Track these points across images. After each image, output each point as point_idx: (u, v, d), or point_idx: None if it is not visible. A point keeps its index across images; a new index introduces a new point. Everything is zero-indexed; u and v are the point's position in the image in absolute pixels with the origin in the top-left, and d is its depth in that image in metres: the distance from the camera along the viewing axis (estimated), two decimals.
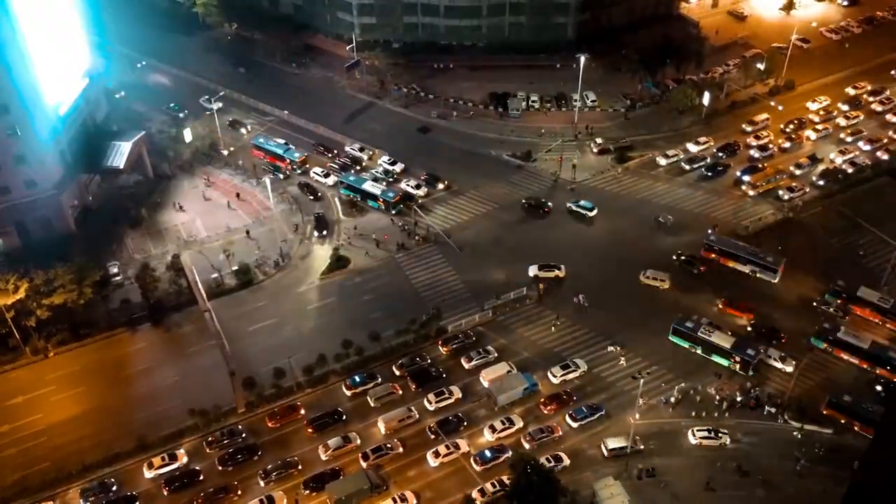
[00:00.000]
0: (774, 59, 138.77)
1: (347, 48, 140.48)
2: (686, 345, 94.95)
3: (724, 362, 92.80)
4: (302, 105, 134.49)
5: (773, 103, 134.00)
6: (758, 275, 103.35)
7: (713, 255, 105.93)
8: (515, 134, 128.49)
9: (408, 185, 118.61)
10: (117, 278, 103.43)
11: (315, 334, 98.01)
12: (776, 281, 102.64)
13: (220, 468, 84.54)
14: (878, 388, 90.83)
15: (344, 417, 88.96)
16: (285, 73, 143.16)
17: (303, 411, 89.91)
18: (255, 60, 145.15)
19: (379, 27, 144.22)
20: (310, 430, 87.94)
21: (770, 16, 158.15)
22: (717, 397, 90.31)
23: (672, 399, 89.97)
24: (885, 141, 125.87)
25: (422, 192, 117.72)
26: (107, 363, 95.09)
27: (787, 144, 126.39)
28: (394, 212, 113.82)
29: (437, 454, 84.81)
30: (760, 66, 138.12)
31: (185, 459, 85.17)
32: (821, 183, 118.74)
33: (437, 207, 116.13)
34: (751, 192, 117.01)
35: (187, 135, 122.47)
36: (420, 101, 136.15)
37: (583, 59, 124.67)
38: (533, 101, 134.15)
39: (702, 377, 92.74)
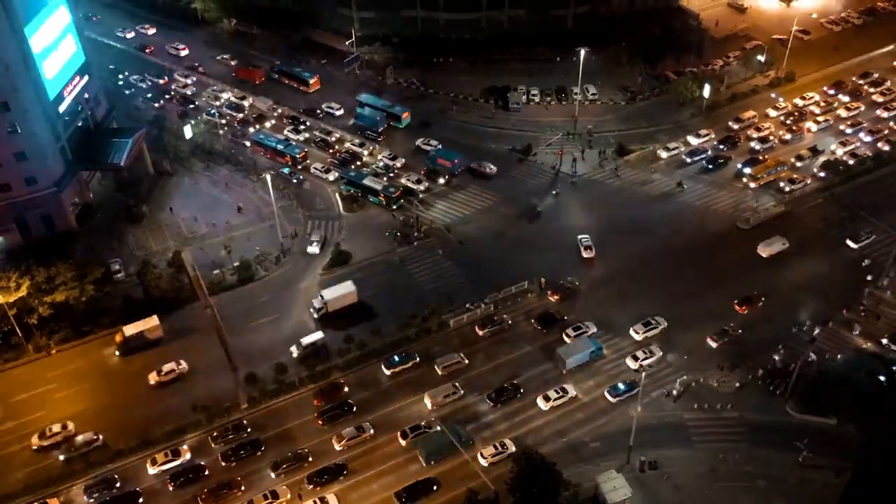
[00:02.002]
0: (775, 51, 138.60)
1: (346, 43, 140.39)
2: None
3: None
4: (301, 100, 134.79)
5: (773, 95, 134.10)
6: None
7: None
8: (516, 127, 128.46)
9: (408, 180, 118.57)
10: (119, 275, 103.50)
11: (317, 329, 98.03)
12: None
13: (223, 464, 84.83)
14: None
15: (354, 409, 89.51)
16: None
17: (346, 389, 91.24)
18: (255, 56, 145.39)
19: (378, 21, 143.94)
20: (320, 423, 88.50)
21: (770, 7, 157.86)
22: (719, 391, 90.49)
23: (674, 392, 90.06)
24: (886, 132, 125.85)
25: (422, 187, 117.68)
26: (109, 360, 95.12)
27: (788, 136, 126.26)
28: (395, 207, 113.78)
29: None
30: (761, 58, 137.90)
31: (188, 455, 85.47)
32: (822, 175, 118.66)
33: (437, 202, 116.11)
34: (751, 185, 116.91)
35: (187, 131, 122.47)
36: (420, 96, 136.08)
37: (583, 52, 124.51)
38: (533, 95, 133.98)
39: (703, 370, 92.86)
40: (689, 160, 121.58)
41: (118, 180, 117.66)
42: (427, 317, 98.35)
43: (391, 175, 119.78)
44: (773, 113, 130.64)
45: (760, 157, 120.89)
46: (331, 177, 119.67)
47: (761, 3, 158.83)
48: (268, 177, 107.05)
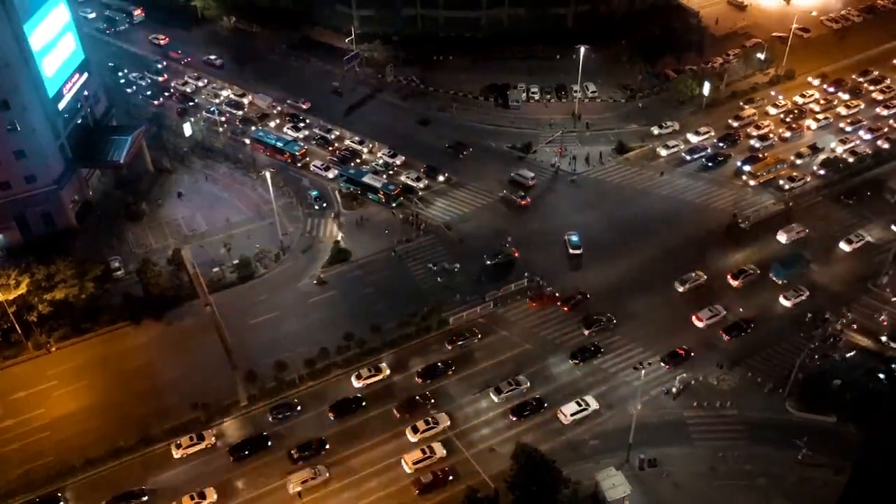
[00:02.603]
0: (774, 49, 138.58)
1: (346, 41, 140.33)
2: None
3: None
4: (301, 98, 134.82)
5: (773, 93, 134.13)
6: None
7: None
8: (515, 125, 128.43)
9: (408, 177, 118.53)
10: (119, 273, 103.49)
11: (316, 327, 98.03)
12: None
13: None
14: None
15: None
16: (284, 66, 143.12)
17: (557, 293, 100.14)
18: (255, 53, 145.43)
19: (378, 19, 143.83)
20: (566, 309, 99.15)
21: (770, 5, 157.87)
22: (719, 389, 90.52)
23: (673, 389, 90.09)
24: (886, 130, 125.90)
25: (422, 184, 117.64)
26: (109, 357, 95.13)
27: (788, 134, 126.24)
28: (394, 205, 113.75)
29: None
30: (761, 56, 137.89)
31: (387, 372, 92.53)
32: (821, 172, 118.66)
33: (437, 200, 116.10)
34: (751, 182, 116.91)
35: (187, 129, 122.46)
36: (420, 94, 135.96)
37: (582, 49, 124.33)
38: (533, 93, 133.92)
39: (703, 367, 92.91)
40: (688, 158, 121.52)
41: (118, 178, 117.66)
42: (427, 315, 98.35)
43: (390, 173, 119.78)
44: (772, 111, 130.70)
45: (760, 155, 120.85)
46: (330, 174, 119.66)
47: (761, 0, 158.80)
48: (267, 174, 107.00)
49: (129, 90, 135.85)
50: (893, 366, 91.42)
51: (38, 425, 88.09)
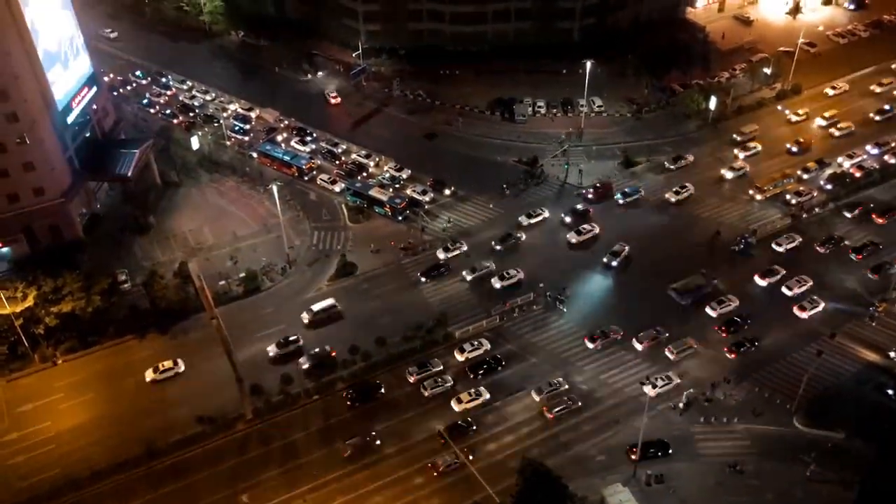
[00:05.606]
0: (781, 64, 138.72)
1: (353, 55, 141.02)
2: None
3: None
4: (308, 111, 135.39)
5: (779, 107, 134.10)
6: None
7: None
8: (521, 139, 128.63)
9: (414, 191, 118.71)
10: (125, 285, 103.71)
11: (322, 341, 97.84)
12: None
13: None
14: None
15: None
16: (292, 79, 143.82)
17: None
18: (262, 67, 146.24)
19: (384, 34, 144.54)
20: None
21: (776, 20, 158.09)
22: (726, 404, 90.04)
23: (681, 405, 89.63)
24: (893, 144, 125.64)
25: (428, 198, 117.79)
26: (115, 370, 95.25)
27: (795, 149, 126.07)
28: (400, 218, 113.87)
29: None
30: (767, 71, 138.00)
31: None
32: (829, 187, 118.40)
33: (443, 213, 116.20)
34: (758, 197, 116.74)
35: (194, 142, 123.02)
36: (427, 108, 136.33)
37: (589, 64, 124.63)
38: (539, 107, 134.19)
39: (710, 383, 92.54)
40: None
41: (125, 191, 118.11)
42: (432, 328, 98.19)
43: (397, 186, 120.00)
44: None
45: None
46: (337, 188, 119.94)
47: (767, 15, 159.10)
48: (274, 188, 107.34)
49: (138, 104, 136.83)
50: None
51: (44, 438, 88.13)
